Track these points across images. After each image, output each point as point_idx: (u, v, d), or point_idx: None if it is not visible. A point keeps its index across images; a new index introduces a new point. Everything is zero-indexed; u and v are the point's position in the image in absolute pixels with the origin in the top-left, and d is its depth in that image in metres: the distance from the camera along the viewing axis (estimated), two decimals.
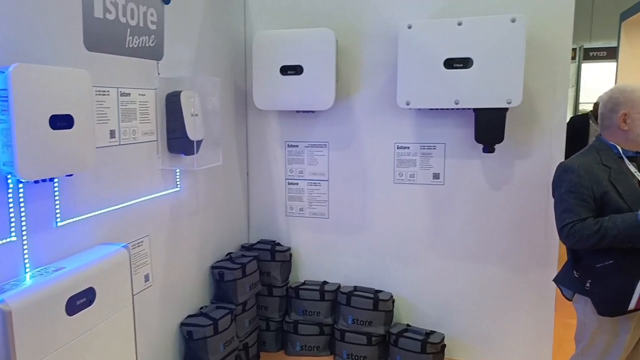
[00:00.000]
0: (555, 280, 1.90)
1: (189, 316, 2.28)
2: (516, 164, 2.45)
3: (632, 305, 1.68)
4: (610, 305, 1.74)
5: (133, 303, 1.73)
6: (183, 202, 2.26)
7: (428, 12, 2.46)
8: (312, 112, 2.69)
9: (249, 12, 2.75)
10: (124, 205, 1.87)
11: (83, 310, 1.48)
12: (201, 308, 2.37)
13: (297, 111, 2.70)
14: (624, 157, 1.74)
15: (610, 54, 5.41)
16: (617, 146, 1.75)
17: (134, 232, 1.94)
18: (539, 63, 2.33)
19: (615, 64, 4.71)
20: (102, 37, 1.72)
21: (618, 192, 1.72)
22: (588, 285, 1.77)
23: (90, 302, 1.51)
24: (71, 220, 1.61)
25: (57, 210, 1.55)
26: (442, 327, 2.61)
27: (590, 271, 1.76)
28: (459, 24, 2.24)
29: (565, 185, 1.75)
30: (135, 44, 1.89)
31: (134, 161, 1.93)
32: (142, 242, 1.99)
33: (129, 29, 1.85)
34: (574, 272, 1.82)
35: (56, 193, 1.54)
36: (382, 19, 2.54)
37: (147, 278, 2.01)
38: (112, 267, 1.63)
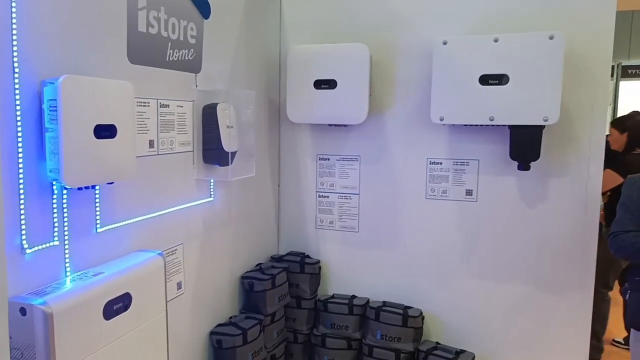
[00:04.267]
0: (620, 291, 1.99)
1: (219, 325, 2.30)
2: (552, 183, 2.41)
3: None
4: (632, 317, 1.80)
5: (167, 310, 1.76)
6: (216, 212, 2.30)
7: (463, 28, 2.46)
8: (345, 126, 2.71)
9: (284, 27, 2.80)
10: (160, 213, 1.91)
11: (119, 315, 1.52)
12: (230, 317, 2.39)
13: (330, 125, 2.73)
14: None
15: None
16: None
17: (168, 240, 1.98)
18: (578, 80, 2.30)
19: None
20: (144, 51, 1.78)
21: None
22: (627, 295, 1.85)
23: (126, 307, 1.55)
24: (110, 227, 1.65)
25: (97, 217, 1.60)
26: (471, 347, 2.56)
27: (632, 283, 1.84)
28: (495, 40, 2.23)
29: (622, 197, 1.94)
30: (175, 57, 1.95)
31: (171, 171, 1.98)
32: (175, 250, 2.03)
33: (169, 43, 1.91)
34: (625, 282, 1.90)
35: (97, 200, 1.59)
36: (416, 35, 2.55)
37: (179, 286, 2.04)
38: (147, 273, 1.67)
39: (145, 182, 1.83)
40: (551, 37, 2.16)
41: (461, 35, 2.43)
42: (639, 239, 1.81)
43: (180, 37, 1.96)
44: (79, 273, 1.52)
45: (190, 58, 2.04)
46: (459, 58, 2.30)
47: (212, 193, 2.26)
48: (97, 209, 1.59)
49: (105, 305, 1.46)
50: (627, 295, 1.87)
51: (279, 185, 2.89)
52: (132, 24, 1.71)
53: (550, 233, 2.43)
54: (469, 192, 2.55)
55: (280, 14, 2.79)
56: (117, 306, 1.51)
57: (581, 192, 2.36)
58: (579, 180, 2.37)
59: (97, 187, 1.57)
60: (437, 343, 2.56)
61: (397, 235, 2.70)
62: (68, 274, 1.50)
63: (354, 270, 2.79)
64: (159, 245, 1.91)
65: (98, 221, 1.60)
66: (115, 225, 1.68)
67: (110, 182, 1.55)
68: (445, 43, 2.32)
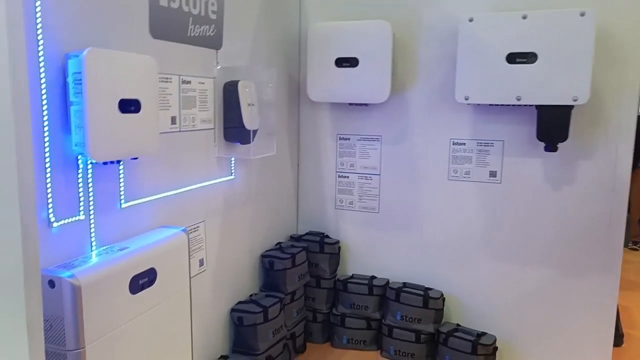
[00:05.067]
0: None
1: (239, 302, 2.31)
2: (579, 165, 2.36)
3: None
4: None
5: (190, 286, 1.76)
6: (237, 190, 2.29)
7: (488, 5, 2.39)
8: (366, 105, 2.67)
9: (305, 3, 2.75)
10: (182, 190, 1.91)
11: (145, 290, 1.52)
12: (251, 295, 2.40)
13: (350, 104, 2.69)
14: None
15: None
16: None
17: (191, 217, 1.98)
18: (607, 60, 2.23)
19: None
20: (166, 25, 1.76)
21: None
22: None
23: (151, 282, 1.55)
24: (134, 203, 1.65)
25: (122, 192, 1.60)
26: (493, 329, 2.54)
27: None
28: (524, 17, 2.17)
29: None
30: (197, 32, 1.93)
31: (193, 148, 1.97)
32: (198, 227, 2.02)
33: (191, 18, 1.88)
34: None
35: (121, 175, 1.58)
36: (439, 12, 2.49)
37: (201, 263, 2.05)
38: (172, 249, 1.67)
39: (167, 159, 1.82)
40: (582, 14, 2.09)
41: (486, 12, 2.36)
42: None
43: (201, 12, 1.93)
44: (104, 247, 1.52)
45: (211, 34, 2.02)
46: (486, 35, 2.24)
47: (232, 171, 2.25)
48: (122, 184, 1.59)
49: (131, 279, 1.47)
50: None
51: (298, 165, 2.87)
52: None
53: (576, 216, 2.38)
54: (492, 174, 2.51)
55: None
56: (142, 281, 1.51)
57: (609, 175, 2.31)
58: (607, 163, 2.31)
59: (121, 163, 1.57)
60: (458, 325, 2.55)
61: (418, 217, 2.67)
62: (94, 248, 1.50)
63: (373, 251, 2.78)
64: (182, 222, 1.91)
65: (122, 197, 1.60)
66: (140, 201, 1.68)
67: (135, 157, 1.54)
68: (471, 20, 2.26)
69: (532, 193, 2.45)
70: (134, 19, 1.61)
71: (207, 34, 1.99)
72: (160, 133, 1.72)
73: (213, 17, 2.01)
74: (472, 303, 2.61)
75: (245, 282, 2.42)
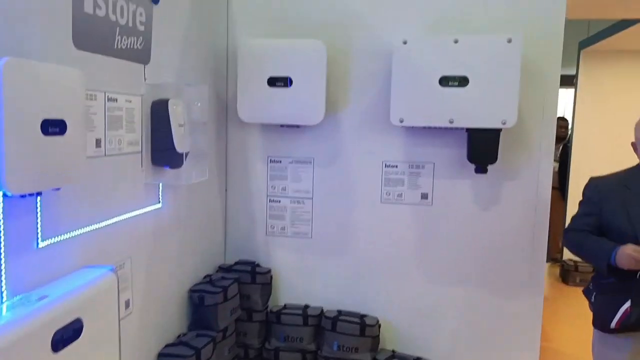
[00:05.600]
0: (583, 291, 2.00)
1: (167, 346, 2.07)
2: (505, 185, 2.44)
3: (613, 324, 1.76)
4: (600, 320, 1.85)
5: (119, 334, 1.53)
6: (164, 219, 2.08)
7: (420, 28, 2.42)
8: (297, 126, 2.58)
9: (232, 19, 2.61)
10: (108, 222, 1.67)
11: (69, 346, 1.28)
12: (179, 336, 2.17)
13: (282, 125, 2.58)
14: None
15: (566, 81, 5.66)
16: None
17: (117, 253, 1.75)
18: (529, 84, 2.34)
19: (572, 90, 4.92)
20: (91, 35, 1.54)
21: (628, 214, 1.74)
22: (593, 298, 1.88)
23: (77, 335, 1.31)
24: (54, 240, 1.40)
25: (39, 229, 1.35)
26: (428, 353, 2.53)
27: (597, 286, 1.88)
28: (455, 41, 2.21)
29: (583, 196, 1.99)
30: (124, 45, 1.72)
31: (119, 174, 1.74)
32: (124, 263, 1.79)
33: (118, 28, 1.68)
34: (590, 284, 1.93)
35: (39, 209, 1.34)
36: (371, 33, 2.48)
37: (127, 304, 1.81)
38: (99, 293, 1.44)
39: (91, 188, 1.58)
40: (509, 41, 2.17)
41: (418, 35, 2.39)
42: (584, 240, 1.90)
43: (129, 22, 1.73)
44: (19, 297, 1.26)
45: (139, 47, 1.82)
46: (419, 58, 2.26)
47: (160, 198, 2.03)
48: (39, 220, 1.34)
49: (53, 335, 1.22)
50: (593, 297, 1.91)
51: (226, 190, 2.70)
52: (77, 3, 1.47)
53: (503, 235, 2.45)
54: (424, 196, 2.52)
55: (227, 3, 2.60)
56: (67, 335, 1.27)
57: (532, 195, 2.41)
58: (529, 183, 2.42)
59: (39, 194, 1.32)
60: (393, 351, 2.50)
61: (351, 240, 2.61)
62: (5, 299, 1.24)
63: (306, 278, 2.66)
64: (107, 260, 1.67)
65: (39, 234, 1.35)
66: (60, 238, 1.43)
67: (57, 187, 1.31)
68: (405, 43, 2.27)
69: (462, 214, 2.49)
70: (54, 26, 1.39)
71: (135, 47, 1.78)
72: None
73: (141, 28, 1.81)
74: (407, 327, 2.58)
75: (173, 322, 2.18)
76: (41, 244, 1.36)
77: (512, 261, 2.45)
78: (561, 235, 2.32)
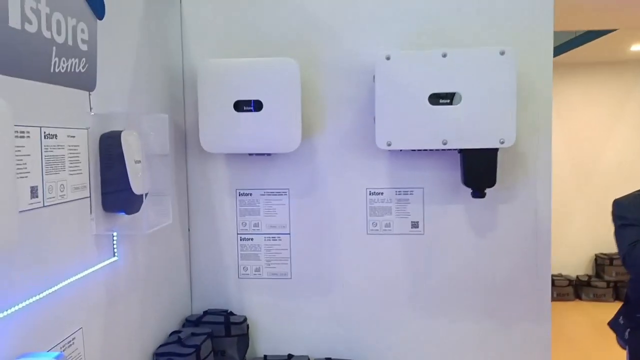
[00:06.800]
0: (608, 323, 1.79)
1: None
2: (501, 210, 2.24)
3: None
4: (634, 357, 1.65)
5: None
6: (121, 275, 1.73)
7: (400, 43, 2.21)
8: (268, 154, 2.29)
9: (187, 36, 2.31)
10: (51, 290, 1.32)
11: None
12: None
13: (250, 154, 2.29)
14: None
15: None
16: None
17: (63, 327, 1.39)
18: (521, 101, 2.15)
19: None
20: (20, 56, 1.21)
21: None
22: (627, 334, 1.70)
23: None
24: None
25: None
26: None
27: (631, 320, 1.71)
28: (444, 55, 2.01)
29: (618, 220, 1.93)
30: (63, 67, 1.39)
31: (62, 228, 1.40)
32: (73, 339, 1.43)
33: (54, 48, 1.35)
34: (620, 318, 1.74)
35: None
36: (347, 49, 2.25)
37: None
38: None
39: (27, 250, 1.23)
40: (502, 53, 1.99)
41: (399, 50, 2.17)
42: None
43: (68, 40, 1.41)
44: None
45: (82, 70, 1.49)
46: (405, 75, 2.03)
47: (115, 250, 1.69)
48: None
49: None
50: (627, 334, 1.72)
51: (189, 230, 2.36)
52: (0, 15, 1.14)
53: (502, 264, 2.25)
54: (414, 224, 2.28)
55: (180, 18, 2.30)
56: None
57: (531, 218, 2.22)
58: (528, 206, 2.23)
59: None
60: None
61: (336, 278, 2.33)
62: None
63: (288, 324, 2.35)
64: (52, 338, 1.32)
65: None
66: None
67: None
68: (388, 58, 2.04)
69: (456, 242, 2.27)
70: None
71: (77, 70, 1.46)
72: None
73: (84, 47, 1.49)
74: None
75: None
76: None
77: (514, 292, 2.24)
78: None
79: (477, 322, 2.27)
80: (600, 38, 3.44)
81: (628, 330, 1.73)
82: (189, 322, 2.24)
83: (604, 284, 5.67)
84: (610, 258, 5.59)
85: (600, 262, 5.71)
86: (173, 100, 2.23)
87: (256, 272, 2.35)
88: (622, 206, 1.84)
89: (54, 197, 1.34)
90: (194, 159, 2.34)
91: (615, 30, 3.30)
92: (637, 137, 5.87)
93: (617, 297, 5.35)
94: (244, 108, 2.09)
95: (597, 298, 5.47)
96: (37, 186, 1.27)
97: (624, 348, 1.84)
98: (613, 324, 1.83)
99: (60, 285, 1.38)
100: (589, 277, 5.73)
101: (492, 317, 2.26)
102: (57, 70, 1.36)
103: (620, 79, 5.81)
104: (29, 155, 1.23)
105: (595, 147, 5.77)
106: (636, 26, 3.22)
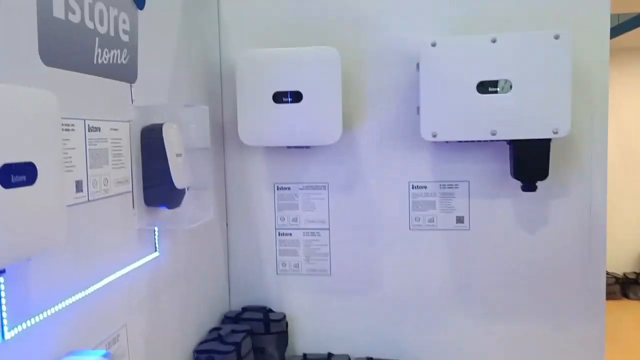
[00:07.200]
0: None
1: None
2: (552, 205, 2.13)
3: None
4: None
5: None
6: (163, 270, 1.70)
7: (444, 28, 2.12)
8: (307, 147, 2.23)
9: (225, 27, 2.26)
10: (96, 287, 1.29)
11: None
12: None
13: (288, 147, 2.23)
14: None
15: None
16: None
17: (109, 324, 1.36)
18: (576, 87, 2.04)
19: None
20: (64, 47, 1.18)
21: None
22: None
23: None
24: (25, 326, 1.02)
25: (4, 316, 0.96)
26: None
27: None
28: (493, 40, 1.91)
29: None
30: (105, 59, 1.36)
31: (106, 222, 1.36)
32: (118, 336, 1.40)
33: (97, 38, 1.31)
34: None
35: (2, 292, 0.95)
36: (389, 36, 2.16)
37: None
38: None
39: (72, 246, 1.20)
40: (557, 37, 1.87)
41: (445, 35, 2.07)
42: None
43: (110, 31, 1.37)
44: None
45: (124, 62, 1.45)
46: (452, 62, 1.94)
47: (157, 246, 1.66)
48: (3, 304, 0.96)
49: None
50: None
51: (227, 225, 2.32)
52: (44, 6, 1.11)
53: (554, 261, 2.14)
54: (460, 219, 2.19)
55: (218, 8, 2.25)
56: None
57: (585, 213, 2.11)
58: (581, 200, 2.11)
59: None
60: None
61: (378, 275, 2.26)
62: None
63: (327, 322, 2.30)
64: (98, 335, 1.29)
65: (5, 322, 0.97)
66: (34, 320, 1.05)
67: (28, 258, 0.93)
68: (434, 45, 1.95)
69: (504, 239, 2.17)
70: (14, 34, 1.02)
71: (119, 62, 1.42)
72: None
73: (125, 38, 1.45)
74: None
75: None
76: (9, 335, 0.98)
77: (566, 291, 2.13)
78: None
79: (526, 322, 2.17)
80: None
81: None
82: (227, 318, 2.21)
83: None
84: None
85: None
86: (211, 93, 2.18)
87: (295, 268, 2.30)
88: None
89: (98, 192, 1.31)
90: (231, 152, 2.30)
91: None
92: None
93: None
94: (284, 99, 2.03)
95: None
96: (81, 180, 1.24)
97: None
98: None
99: (106, 280, 1.35)
100: (637, 274, 5.51)
101: (543, 317, 2.16)
102: (100, 62, 1.32)
103: None
104: (74, 148, 1.20)
105: None
106: None
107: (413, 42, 2.08)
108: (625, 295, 5.45)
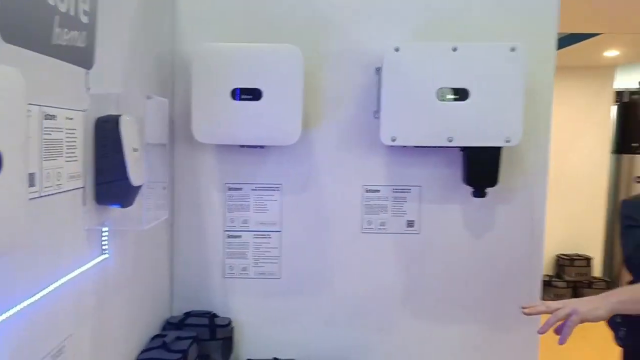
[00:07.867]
0: (607, 322, 1.78)
1: None
2: (498, 210, 2.22)
3: None
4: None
5: None
6: (110, 274, 1.56)
7: (405, 34, 2.14)
8: (261, 147, 2.16)
9: (179, 18, 2.14)
10: (39, 295, 1.15)
11: None
12: None
13: (242, 146, 2.15)
14: None
15: None
16: None
17: (53, 335, 1.23)
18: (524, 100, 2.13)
19: None
20: (23, 22, 1.04)
21: None
22: (622, 333, 1.72)
23: None
24: None
25: None
26: None
27: (629, 320, 1.72)
28: (454, 49, 1.95)
29: (625, 220, 1.86)
30: (64, 40, 1.22)
31: (55, 222, 1.23)
32: (63, 347, 1.26)
33: (57, 17, 1.18)
34: (617, 317, 1.74)
35: None
36: (350, 38, 2.15)
37: None
38: None
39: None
40: (513, 49, 1.95)
41: (405, 41, 2.09)
42: None
43: (70, 9, 1.23)
44: None
45: (82, 45, 1.32)
46: (414, 68, 1.96)
47: (105, 248, 1.52)
48: None
49: None
50: (622, 333, 1.73)
51: (172, 225, 2.20)
52: None
53: (497, 265, 2.23)
54: (410, 223, 2.22)
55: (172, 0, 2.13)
56: None
57: (527, 219, 2.21)
58: (523, 206, 2.21)
59: None
60: None
61: (328, 278, 2.23)
62: None
63: (274, 326, 2.24)
64: (42, 349, 1.16)
65: None
66: None
67: None
68: (397, 50, 1.96)
69: (452, 242, 2.23)
70: None
71: (77, 44, 1.28)
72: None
73: (85, 20, 1.31)
74: None
75: None
76: None
77: (508, 294, 2.22)
78: None
79: (471, 323, 2.24)
80: (580, 43, 3.52)
81: (624, 329, 1.75)
82: (170, 324, 2.08)
83: (564, 284, 5.91)
84: (570, 259, 5.84)
85: (561, 263, 5.91)
86: (162, 85, 2.05)
87: (243, 272, 2.22)
88: (629, 206, 1.85)
89: (50, 187, 1.17)
90: (180, 149, 2.18)
91: (597, 34, 3.37)
92: (601, 144, 6.04)
93: (576, 297, 5.54)
94: (242, 97, 1.95)
95: (558, 298, 5.67)
96: (35, 173, 1.10)
97: (621, 347, 1.86)
98: (610, 323, 1.84)
99: (52, 287, 1.21)
100: (550, 277, 5.93)
101: (487, 319, 2.24)
102: (58, 43, 1.19)
103: (590, 85, 6.01)
104: (29, 137, 1.06)
105: (562, 150, 5.94)
106: (621, 30, 3.31)
107: (373, 47, 2.08)
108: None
